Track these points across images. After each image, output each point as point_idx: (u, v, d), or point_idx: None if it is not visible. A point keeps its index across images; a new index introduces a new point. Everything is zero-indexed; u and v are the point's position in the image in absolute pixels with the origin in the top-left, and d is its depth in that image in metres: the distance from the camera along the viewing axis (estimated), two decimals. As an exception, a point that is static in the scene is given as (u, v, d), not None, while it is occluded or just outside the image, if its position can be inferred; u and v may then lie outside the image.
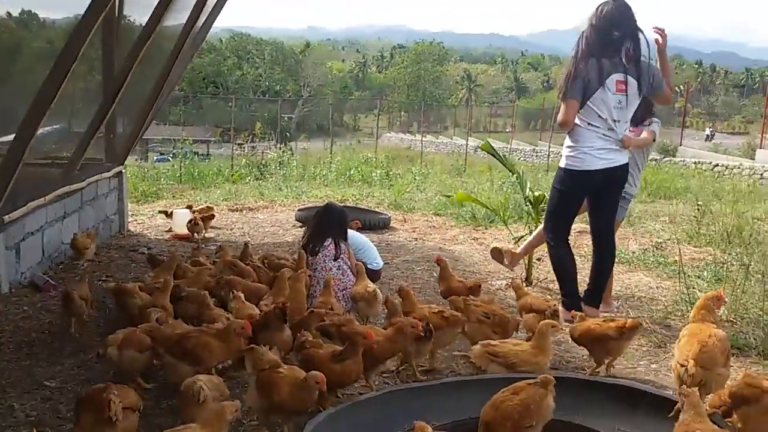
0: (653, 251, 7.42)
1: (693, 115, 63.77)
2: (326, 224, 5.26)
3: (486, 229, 8.77)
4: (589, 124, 4.59)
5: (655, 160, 20.46)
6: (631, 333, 3.79)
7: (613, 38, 4.54)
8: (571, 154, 4.71)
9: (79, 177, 6.78)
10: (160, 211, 8.71)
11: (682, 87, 38.08)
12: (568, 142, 4.77)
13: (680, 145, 24.86)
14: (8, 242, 5.26)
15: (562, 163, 4.81)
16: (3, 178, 4.98)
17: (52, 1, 7.77)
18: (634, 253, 7.31)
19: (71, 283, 5.05)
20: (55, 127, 7.22)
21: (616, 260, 6.59)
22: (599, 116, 4.57)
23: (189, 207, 8.43)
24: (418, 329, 3.57)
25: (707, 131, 45.04)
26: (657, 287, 6.02)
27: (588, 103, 4.55)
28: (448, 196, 9.48)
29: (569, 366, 4.07)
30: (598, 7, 4.60)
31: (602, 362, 3.85)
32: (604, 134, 4.60)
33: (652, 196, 12.73)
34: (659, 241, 7.98)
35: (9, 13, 7.62)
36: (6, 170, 4.99)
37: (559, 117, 4.65)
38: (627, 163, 4.76)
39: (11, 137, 5.16)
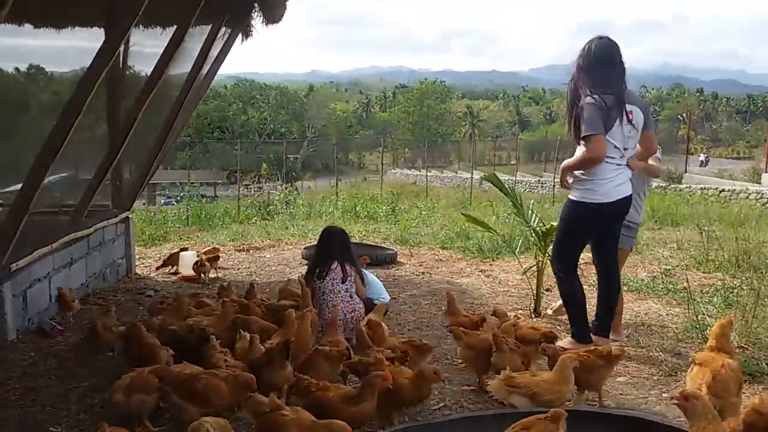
0: (662, 278, 7.37)
1: (697, 141, 63.86)
2: (329, 247, 5.31)
3: (493, 260, 8.76)
4: (606, 156, 4.58)
5: (661, 187, 20.45)
6: (616, 360, 3.85)
7: (616, 70, 4.59)
8: (586, 186, 4.64)
9: (86, 224, 6.84)
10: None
11: (684, 115, 38.22)
12: (580, 174, 4.70)
13: (685, 172, 24.87)
14: (15, 290, 5.29)
15: (575, 196, 4.72)
16: (10, 228, 5.03)
17: (58, 55, 7.96)
18: (643, 280, 7.27)
19: (99, 316, 5.18)
20: (62, 175, 7.31)
21: (626, 288, 6.62)
22: (615, 147, 4.56)
23: (184, 249, 8.46)
24: (440, 376, 3.58)
25: (701, 157, 44.61)
26: (667, 314, 5.97)
27: (606, 135, 4.54)
28: (464, 215, 9.54)
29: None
30: (593, 43, 4.63)
31: (584, 391, 3.84)
32: (617, 165, 4.61)
33: (659, 223, 12.69)
34: (668, 267, 7.93)
35: (17, 68, 7.80)
36: (13, 220, 5.05)
37: (590, 154, 4.48)
38: (631, 194, 4.77)
39: (18, 186, 5.24)
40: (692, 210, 14.82)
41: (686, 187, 20.98)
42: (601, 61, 4.57)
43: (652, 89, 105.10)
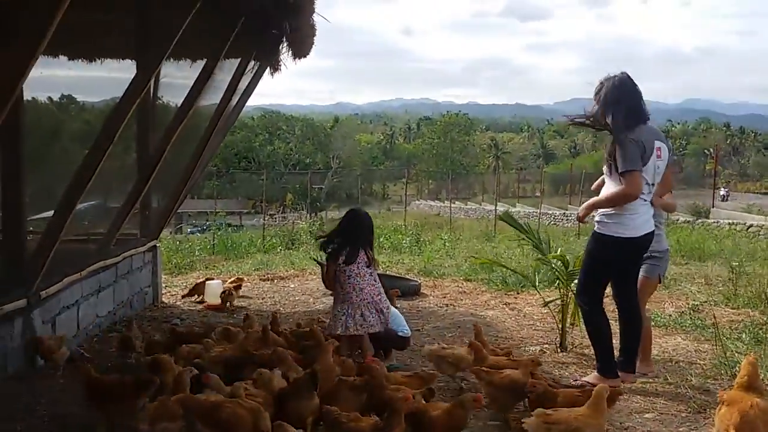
0: (690, 314, 7.26)
1: (724, 176, 63.13)
2: (358, 231, 5.23)
3: (518, 293, 8.69)
4: None
5: (688, 221, 20.24)
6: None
7: (642, 104, 4.63)
8: (617, 221, 4.61)
9: (114, 252, 6.94)
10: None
11: (711, 149, 37.89)
12: (608, 209, 4.67)
13: (712, 207, 24.59)
14: (45, 316, 5.36)
15: (603, 230, 4.69)
16: (41, 255, 5.13)
17: (90, 86, 8.18)
18: (670, 315, 7.17)
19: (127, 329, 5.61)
20: (91, 203, 7.46)
21: (653, 323, 6.52)
22: (647, 183, 4.56)
23: (209, 279, 8.52)
24: (480, 402, 3.57)
25: (722, 191, 43.68)
26: (695, 351, 5.87)
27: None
28: (475, 257, 9.50)
29: None
30: (615, 78, 4.63)
31: None
32: (645, 200, 4.61)
33: (686, 257, 12.53)
34: (695, 303, 7.81)
35: (50, 98, 8.01)
36: (44, 247, 5.15)
37: (630, 189, 4.46)
38: (653, 229, 4.75)
39: (50, 214, 5.36)
40: (720, 245, 14.62)
41: (714, 222, 20.72)
42: (628, 96, 4.59)
43: (678, 124, 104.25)
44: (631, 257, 4.75)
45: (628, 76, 4.65)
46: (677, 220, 20.76)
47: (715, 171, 37.88)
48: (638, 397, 4.61)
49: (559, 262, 5.97)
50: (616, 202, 4.60)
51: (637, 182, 4.45)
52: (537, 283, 6.93)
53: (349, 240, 5.19)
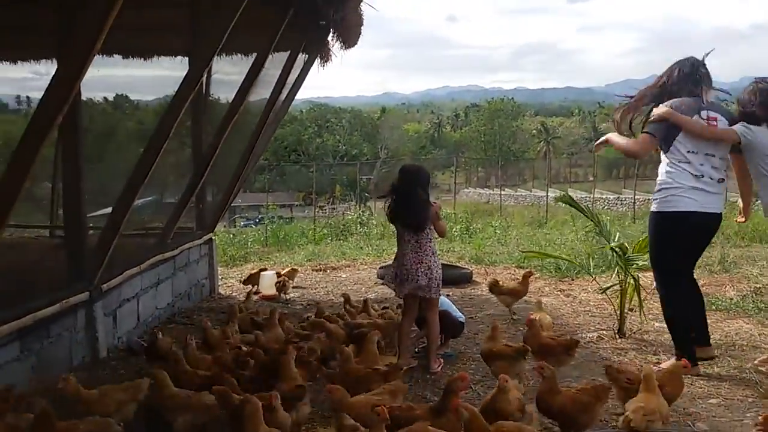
0: (752, 297, 7.03)
1: (787, 154, 60.87)
2: (408, 188, 4.93)
3: (573, 280, 8.54)
4: None
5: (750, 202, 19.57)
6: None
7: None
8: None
9: (172, 245, 7.10)
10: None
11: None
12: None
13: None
14: (106, 309, 5.53)
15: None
16: (102, 249, 5.29)
17: (143, 85, 8.39)
18: (731, 299, 6.96)
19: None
20: (148, 199, 7.65)
21: (714, 307, 6.40)
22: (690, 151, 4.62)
23: (263, 269, 8.66)
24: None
25: None
26: (759, 335, 5.69)
27: None
28: (523, 251, 9.41)
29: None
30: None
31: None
32: (692, 173, 4.60)
33: (747, 240, 12.11)
34: (758, 286, 7.55)
35: (105, 98, 8.24)
36: (105, 242, 5.31)
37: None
38: None
39: (109, 210, 5.52)
40: (784, 226, 14.07)
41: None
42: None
43: (734, 102, 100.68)
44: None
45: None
46: (736, 201, 20.08)
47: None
48: (701, 381, 4.50)
49: (618, 248, 5.86)
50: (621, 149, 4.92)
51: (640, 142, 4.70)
52: (592, 270, 6.82)
53: (399, 199, 4.95)
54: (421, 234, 4.92)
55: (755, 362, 4.82)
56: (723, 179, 4.61)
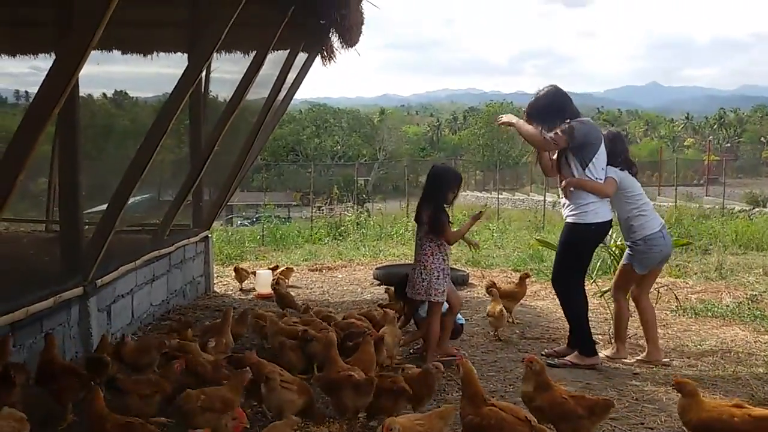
0: (748, 304, 7.04)
1: (785, 163, 60.95)
2: (433, 190, 5.14)
3: (569, 284, 8.50)
4: None
5: (745, 210, 19.60)
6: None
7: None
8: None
9: (168, 242, 7.07)
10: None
11: (768, 136, 36.59)
12: None
13: (771, 195, 23.77)
14: (100, 305, 5.50)
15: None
16: (96, 245, 5.25)
17: (142, 82, 8.36)
18: (728, 306, 6.96)
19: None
20: (144, 196, 7.63)
21: (710, 314, 6.41)
22: None
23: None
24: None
25: None
26: (754, 341, 5.70)
27: None
28: (537, 240, 9.49)
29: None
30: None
31: None
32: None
33: (743, 247, 12.13)
34: (754, 293, 7.56)
35: (104, 94, 8.21)
36: (99, 238, 5.27)
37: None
38: None
39: (104, 207, 5.48)
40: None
41: (773, 210, 20.01)
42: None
43: (733, 111, 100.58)
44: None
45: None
46: (733, 209, 20.13)
47: (773, 158, 36.51)
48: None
49: (617, 251, 5.86)
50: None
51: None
52: (593, 273, 6.83)
53: (424, 200, 5.14)
54: (422, 234, 5.10)
55: None
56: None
